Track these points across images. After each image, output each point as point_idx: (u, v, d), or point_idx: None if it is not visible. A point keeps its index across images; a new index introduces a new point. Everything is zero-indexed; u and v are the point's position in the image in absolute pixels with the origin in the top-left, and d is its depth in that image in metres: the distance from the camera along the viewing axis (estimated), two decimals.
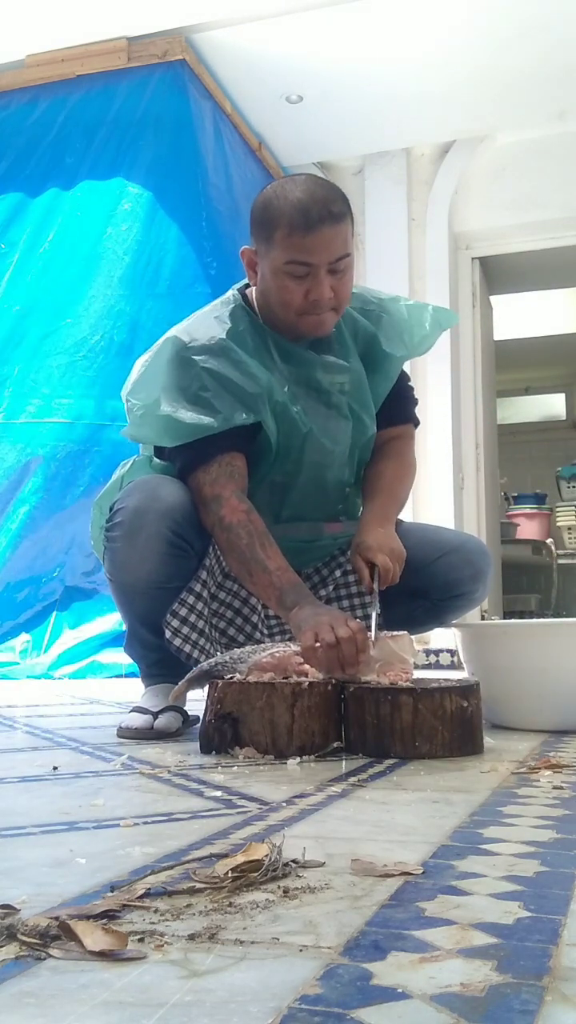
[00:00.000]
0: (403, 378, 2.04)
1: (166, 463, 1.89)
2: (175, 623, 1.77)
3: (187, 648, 1.77)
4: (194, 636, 1.78)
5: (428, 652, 4.19)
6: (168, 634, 1.75)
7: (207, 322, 1.83)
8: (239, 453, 1.78)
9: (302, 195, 1.70)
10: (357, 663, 1.53)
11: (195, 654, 1.77)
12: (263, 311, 1.85)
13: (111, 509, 1.82)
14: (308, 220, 1.68)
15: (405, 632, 1.65)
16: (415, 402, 2.09)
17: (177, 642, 1.75)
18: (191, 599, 1.79)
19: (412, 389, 2.08)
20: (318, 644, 1.52)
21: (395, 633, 1.64)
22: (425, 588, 1.95)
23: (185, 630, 1.77)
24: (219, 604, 1.92)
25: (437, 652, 4.17)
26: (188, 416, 1.72)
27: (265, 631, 1.96)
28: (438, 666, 4.14)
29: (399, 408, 2.02)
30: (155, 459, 1.94)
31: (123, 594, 1.82)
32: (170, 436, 1.76)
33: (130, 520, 1.74)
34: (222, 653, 1.84)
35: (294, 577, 1.68)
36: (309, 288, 1.73)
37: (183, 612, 1.78)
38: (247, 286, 1.91)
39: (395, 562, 1.77)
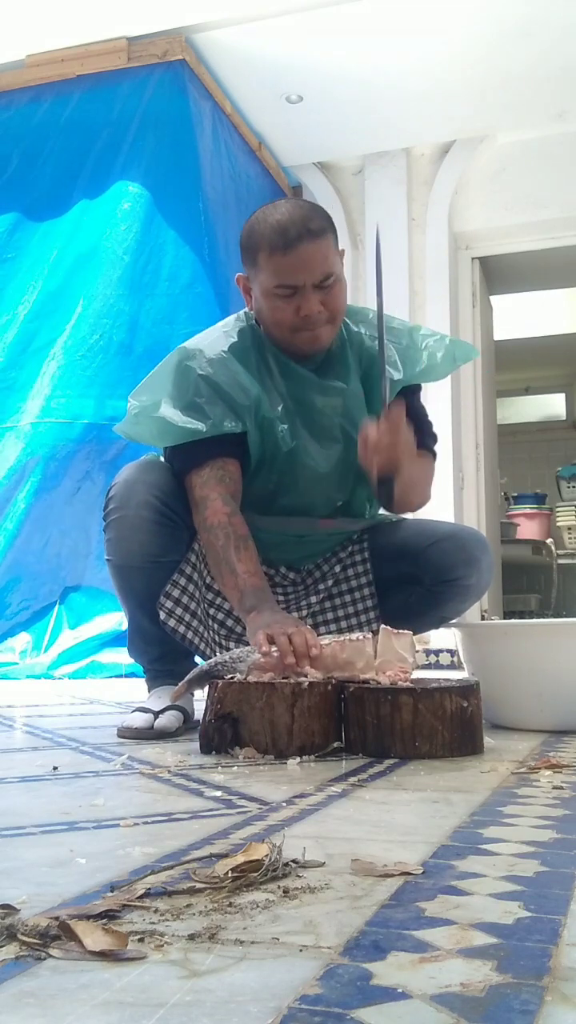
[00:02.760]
0: (419, 408, 2.03)
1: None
2: (168, 604, 1.83)
3: (181, 629, 1.83)
4: (187, 617, 1.84)
5: (428, 652, 4.19)
6: (163, 615, 1.81)
7: (214, 335, 1.90)
8: (232, 459, 1.83)
9: (280, 216, 1.75)
10: (307, 655, 1.55)
11: (189, 635, 1.84)
12: (266, 332, 1.91)
13: (106, 493, 1.91)
14: (287, 240, 1.72)
15: (409, 632, 1.65)
16: (434, 437, 2.07)
17: (172, 623, 1.82)
18: (183, 581, 1.86)
19: (430, 424, 2.06)
20: (271, 645, 1.54)
21: (398, 631, 1.64)
22: (419, 575, 1.98)
23: (179, 611, 1.83)
24: (215, 594, 1.94)
25: (437, 652, 4.18)
26: (180, 420, 1.79)
27: None
28: (438, 666, 4.14)
29: (416, 434, 2.00)
30: (162, 457, 1.99)
31: (120, 574, 1.87)
32: (163, 437, 1.84)
33: (120, 493, 1.85)
34: (221, 647, 1.87)
35: (259, 582, 1.72)
36: (298, 305, 1.77)
37: (176, 593, 1.84)
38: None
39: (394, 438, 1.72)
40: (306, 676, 1.54)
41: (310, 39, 4.19)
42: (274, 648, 1.55)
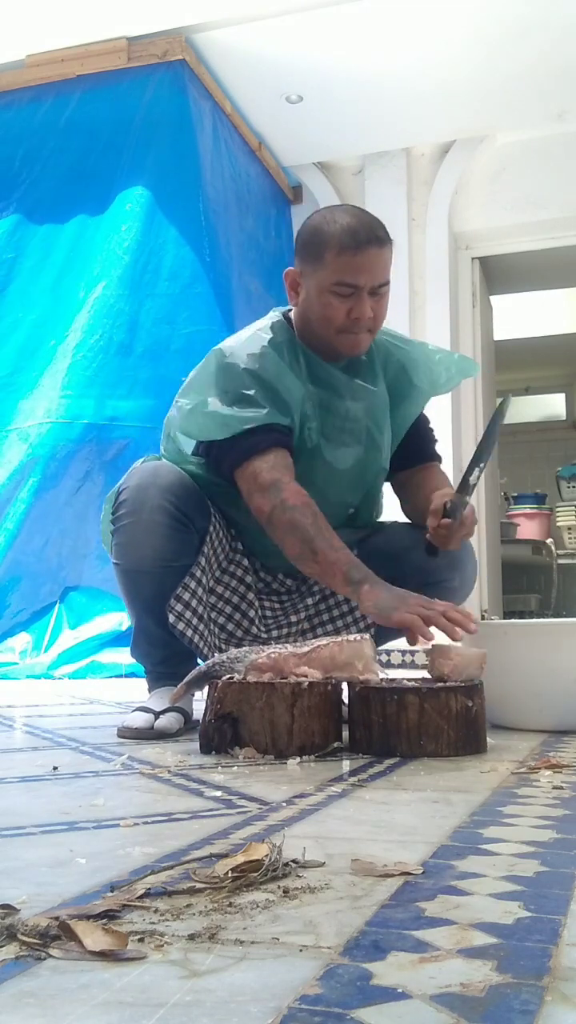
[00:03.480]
0: (424, 420, 2.11)
1: (179, 461, 1.95)
2: (179, 607, 1.82)
3: (188, 633, 1.82)
4: (195, 621, 1.84)
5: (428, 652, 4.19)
6: (172, 619, 1.81)
7: (249, 334, 1.91)
8: (288, 450, 1.84)
9: (351, 220, 1.83)
10: (471, 620, 1.61)
11: (195, 639, 1.83)
12: (301, 331, 1.93)
13: (116, 495, 1.89)
14: (357, 242, 1.79)
15: (366, 636, 1.66)
16: (435, 441, 2.16)
17: (180, 626, 1.81)
18: (192, 584, 1.85)
19: (432, 431, 2.15)
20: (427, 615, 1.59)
21: (355, 637, 1.64)
22: (402, 577, 1.96)
23: (188, 615, 1.83)
24: (217, 598, 1.95)
25: None
26: (235, 411, 1.80)
27: (262, 627, 1.98)
28: None
29: (424, 447, 2.11)
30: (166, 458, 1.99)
31: (130, 579, 1.86)
32: (220, 430, 1.82)
33: (133, 497, 1.82)
34: (220, 650, 1.87)
35: (355, 557, 1.76)
36: (352, 307, 1.82)
37: (186, 596, 1.84)
38: (288, 310, 1.99)
39: (470, 523, 1.85)
40: (306, 676, 1.54)
41: (310, 39, 4.18)
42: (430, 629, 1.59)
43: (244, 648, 1.66)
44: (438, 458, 2.14)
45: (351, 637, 1.64)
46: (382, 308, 1.86)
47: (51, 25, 4.20)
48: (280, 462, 1.80)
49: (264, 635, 1.99)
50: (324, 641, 1.61)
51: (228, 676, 1.57)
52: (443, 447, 2.22)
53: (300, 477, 1.91)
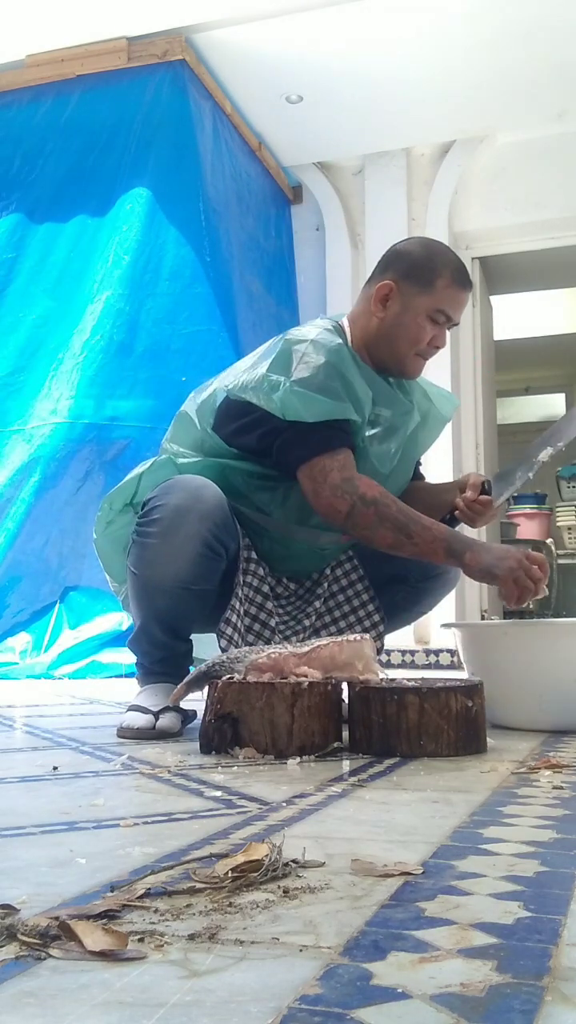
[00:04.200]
0: None
1: (191, 462, 1.92)
2: (228, 630, 1.83)
3: (232, 648, 1.81)
4: (240, 642, 1.85)
5: (428, 652, 4.19)
6: (223, 643, 1.81)
7: (321, 330, 1.90)
8: (351, 451, 1.86)
9: (457, 258, 1.96)
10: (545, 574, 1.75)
11: None
12: (368, 342, 1.96)
13: (145, 504, 1.84)
14: (464, 280, 1.94)
15: (366, 636, 1.68)
16: (421, 462, 2.28)
17: (232, 649, 1.77)
18: (237, 604, 1.86)
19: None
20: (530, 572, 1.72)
21: (355, 637, 1.65)
22: (403, 573, 2.05)
23: (236, 637, 1.84)
24: (257, 611, 1.98)
25: (437, 652, 4.18)
26: (324, 398, 1.80)
27: (279, 634, 1.98)
28: (438, 666, 4.14)
29: (417, 468, 2.23)
30: (179, 460, 1.95)
31: (145, 590, 1.82)
32: (308, 412, 1.80)
33: (170, 518, 1.76)
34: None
35: (450, 530, 1.82)
36: (436, 335, 1.93)
37: (234, 618, 1.85)
38: (338, 319, 2.02)
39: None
40: (306, 676, 1.54)
41: (310, 39, 4.19)
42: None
43: (244, 648, 1.66)
44: (422, 476, 2.26)
45: (351, 637, 1.64)
46: (445, 342, 1.98)
47: (51, 25, 4.20)
48: (348, 462, 1.83)
49: (281, 638, 1.99)
50: (324, 641, 1.61)
51: (228, 676, 1.57)
52: (443, 447, 2.24)
53: None
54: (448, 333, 1.97)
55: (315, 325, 1.95)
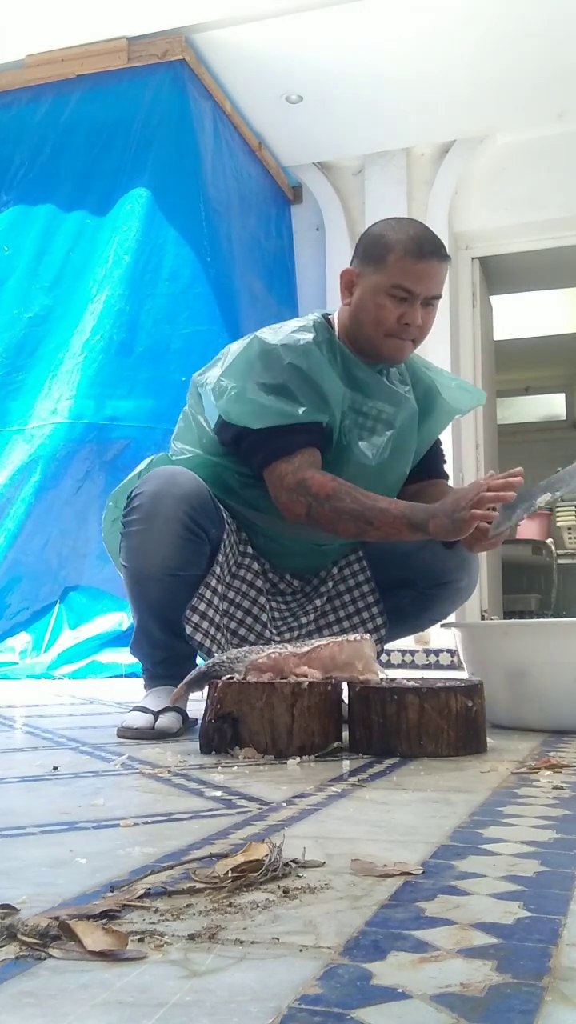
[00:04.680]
0: (438, 440, 2.17)
1: (184, 459, 1.96)
2: (195, 618, 1.82)
3: (207, 643, 1.82)
4: (212, 631, 1.84)
5: (428, 652, 4.19)
6: (189, 630, 1.81)
7: (292, 327, 1.92)
8: (317, 449, 1.85)
9: (419, 230, 1.89)
10: (510, 484, 1.69)
11: (213, 648, 1.83)
12: (346, 331, 1.95)
13: (128, 498, 1.88)
14: (421, 250, 1.85)
15: (367, 636, 1.67)
16: (444, 460, 2.22)
17: (198, 637, 1.81)
18: (208, 593, 1.85)
19: (442, 450, 2.21)
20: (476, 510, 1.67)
21: (355, 637, 1.64)
22: (411, 577, 2.03)
23: (204, 624, 1.83)
24: (228, 603, 1.95)
25: (437, 652, 4.18)
26: (275, 403, 1.81)
27: (274, 631, 1.98)
28: (438, 666, 4.14)
29: (435, 464, 2.17)
30: (175, 457, 1.99)
31: (137, 583, 1.84)
32: (256, 419, 1.83)
33: (148, 504, 1.81)
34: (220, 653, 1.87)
35: (406, 502, 1.79)
36: (404, 312, 1.86)
37: (201, 607, 1.83)
38: (328, 313, 2.02)
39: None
40: (306, 676, 1.54)
41: (310, 39, 4.19)
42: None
43: (244, 648, 1.66)
44: (446, 476, 2.20)
45: (351, 637, 1.64)
46: (430, 320, 1.91)
47: (51, 25, 4.20)
48: (306, 461, 1.82)
49: (276, 638, 1.99)
50: (324, 641, 1.61)
51: (228, 676, 1.57)
52: (443, 447, 2.23)
53: (328, 471, 1.92)
54: (426, 310, 1.89)
55: (293, 322, 1.96)
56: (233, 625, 1.95)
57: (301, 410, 1.81)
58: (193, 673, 1.67)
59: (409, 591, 2.05)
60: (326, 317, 2.00)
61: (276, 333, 1.89)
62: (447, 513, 1.71)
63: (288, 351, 1.84)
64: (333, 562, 2.09)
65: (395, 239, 1.86)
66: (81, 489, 3.88)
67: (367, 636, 1.66)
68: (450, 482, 2.15)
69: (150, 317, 4.04)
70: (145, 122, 4.25)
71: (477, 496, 1.68)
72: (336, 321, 1.98)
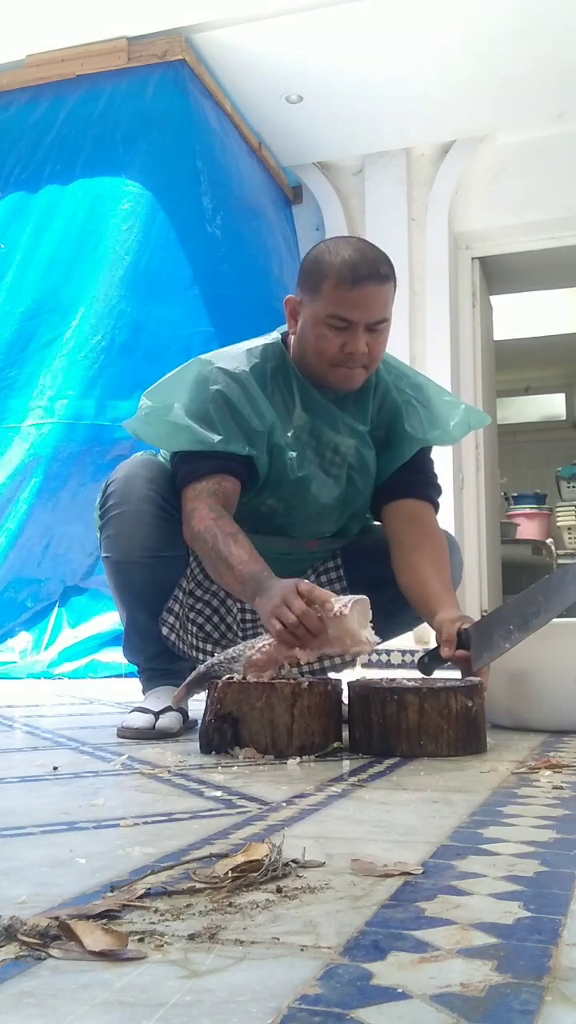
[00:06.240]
0: (427, 460, 2.03)
1: (165, 455, 1.96)
2: (171, 619, 1.86)
3: (172, 637, 1.87)
4: (177, 625, 1.88)
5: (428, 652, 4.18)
6: (165, 631, 1.85)
7: (237, 352, 1.88)
8: (232, 477, 1.80)
9: (353, 252, 1.77)
10: (324, 630, 1.48)
11: (180, 644, 1.88)
12: (297, 358, 1.89)
13: (103, 488, 1.91)
14: (356, 276, 1.74)
15: (364, 596, 1.53)
16: (438, 490, 2.06)
17: (173, 637, 1.86)
18: (180, 595, 1.89)
19: (436, 476, 2.06)
20: (282, 628, 1.49)
21: (337, 610, 1.47)
22: (389, 575, 1.95)
23: (178, 625, 1.88)
24: (195, 600, 1.97)
25: None
26: (192, 427, 1.78)
27: (239, 630, 2.00)
28: None
29: (419, 485, 2.00)
30: (159, 455, 1.99)
31: (120, 571, 1.86)
32: (168, 440, 1.83)
33: (120, 488, 1.85)
34: (199, 649, 1.90)
35: (256, 565, 1.66)
36: (346, 341, 1.78)
37: (177, 608, 1.87)
38: (285, 334, 1.95)
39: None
40: (299, 662, 1.52)
41: (310, 39, 4.18)
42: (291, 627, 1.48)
43: (239, 645, 1.65)
44: (433, 502, 2.02)
45: (334, 612, 1.47)
46: (379, 345, 1.81)
47: (51, 25, 4.20)
48: (208, 489, 1.77)
49: (241, 636, 1.99)
50: None
51: (228, 676, 1.57)
52: (442, 449, 2.18)
53: (281, 505, 1.91)
54: (372, 335, 1.78)
55: (243, 344, 1.91)
56: (200, 620, 1.98)
57: (217, 439, 1.76)
58: (193, 675, 1.68)
59: (388, 588, 1.96)
60: (285, 338, 1.94)
61: (219, 357, 1.86)
62: (268, 608, 1.53)
63: (221, 378, 1.81)
64: (311, 567, 2.08)
65: (329, 264, 1.77)
66: (82, 489, 3.88)
67: (357, 597, 1.51)
68: (449, 485, 2.11)
69: (151, 318, 4.04)
70: (145, 122, 4.24)
71: (284, 618, 1.49)
72: (291, 345, 1.92)
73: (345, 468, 1.94)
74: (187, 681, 1.67)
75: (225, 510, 1.77)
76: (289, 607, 1.49)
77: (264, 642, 1.58)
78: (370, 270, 1.75)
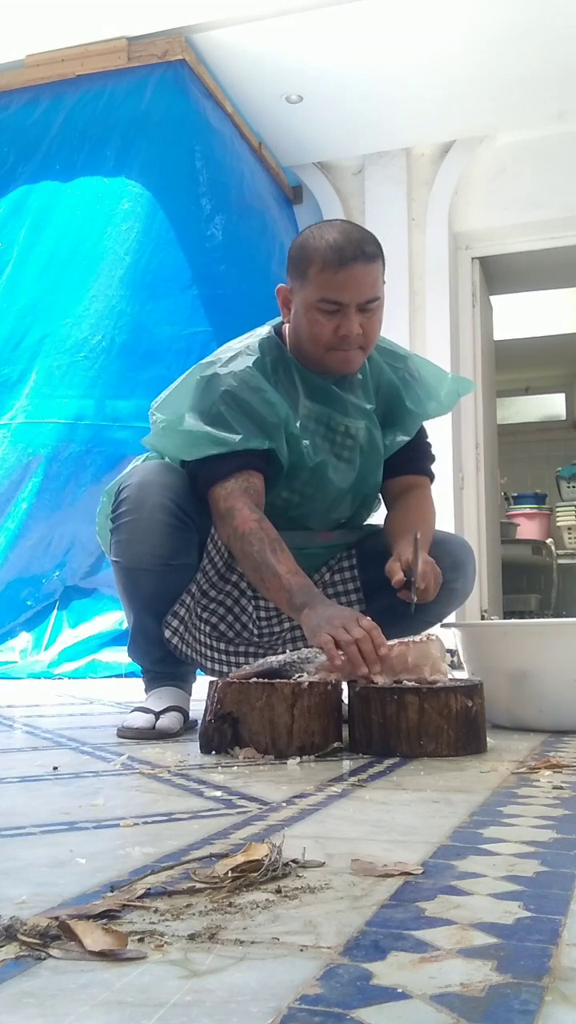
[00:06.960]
0: (422, 433, 2.08)
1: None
2: (175, 623, 1.84)
3: (175, 640, 1.84)
4: (181, 628, 1.85)
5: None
6: (168, 633, 1.83)
7: (236, 350, 1.89)
8: (257, 472, 1.82)
9: (337, 235, 1.77)
10: (377, 661, 1.54)
11: (183, 647, 1.85)
12: (294, 347, 1.90)
13: (116, 492, 1.89)
14: (341, 258, 1.74)
15: (434, 636, 1.63)
16: (432, 459, 2.12)
17: (175, 641, 1.83)
18: (188, 599, 1.86)
19: (430, 446, 2.12)
20: (337, 648, 1.53)
21: (421, 638, 1.60)
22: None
23: (181, 629, 1.85)
24: (209, 600, 1.96)
25: None
26: (209, 431, 1.79)
27: (255, 630, 1.99)
28: None
29: (416, 461, 2.07)
30: (167, 457, 1.97)
31: (129, 576, 1.85)
32: (190, 450, 1.82)
33: (135, 495, 1.82)
34: (209, 648, 1.89)
35: (304, 580, 1.70)
36: (339, 324, 1.78)
37: (182, 612, 1.85)
38: (282, 323, 1.96)
39: (432, 577, 1.77)
40: (376, 682, 1.53)
41: (310, 39, 4.19)
42: (342, 654, 1.53)
43: (312, 650, 1.64)
44: (431, 475, 2.11)
45: (418, 638, 1.60)
46: (373, 324, 1.81)
47: (51, 25, 4.20)
48: (239, 487, 1.78)
49: (256, 638, 1.99)
50: (392, 642, 1.58)
51: (297, 675, 1.56)
52: (443, 447, 2.20)
53: (300, 496, 1.92)
54: (365, 315, 1.78)
55: (240, 341, 1.92)
56: (215, 620, 1.97)
57: (237, 438, 1.77)
58: (263, 666, 1.65)
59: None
60: (277, 330, 1.95)
61: (216, 360, 1.87)
62: (319, 618, 1.59)
63: (225, 378, 1.81)
64: (325, 564, 2.08)
65: (314, 249, 1.77)
66: (82, 490, 3.88)
67: (435, 636, 1.62)
68: (449, 485, 2.12)
69: (151, 318, 4.04)
70: (145, 122, 4.25)
71: (341, 636, 1.54)
72: (286, 334, 1.93)
73: (357, 451, 1.95)
74: (255, 668, 1.64)
75: (260, 509, 1.79)
76: (348, 631, 1.54)
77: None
78: (356, 250, 1.75)
